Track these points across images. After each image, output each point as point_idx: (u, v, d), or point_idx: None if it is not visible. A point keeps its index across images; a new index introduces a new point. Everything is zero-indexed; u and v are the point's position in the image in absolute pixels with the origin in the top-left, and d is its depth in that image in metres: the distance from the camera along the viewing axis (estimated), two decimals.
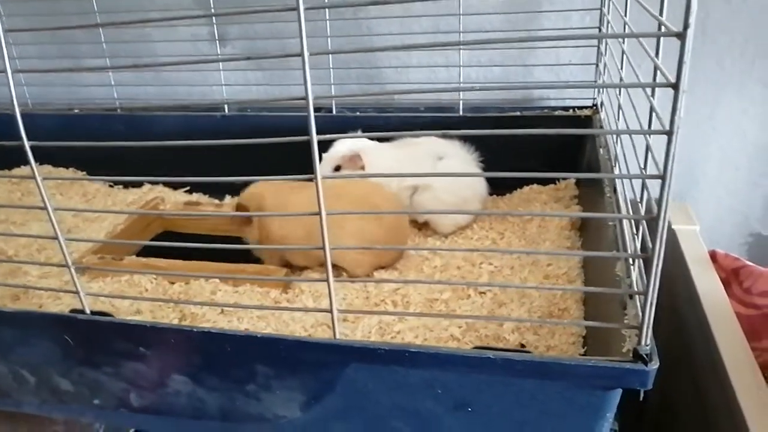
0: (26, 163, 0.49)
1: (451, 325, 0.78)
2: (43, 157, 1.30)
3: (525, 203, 1.08)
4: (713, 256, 0.94)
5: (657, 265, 0.40)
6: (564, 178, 1.11)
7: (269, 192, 0.92)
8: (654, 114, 0.45)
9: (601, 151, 0.91)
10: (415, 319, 0.80)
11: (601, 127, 1.00)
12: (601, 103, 1.06)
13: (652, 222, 0.40)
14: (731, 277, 0.93)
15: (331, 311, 0.48)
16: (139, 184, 1.24)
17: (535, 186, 1.11)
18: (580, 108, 1.11)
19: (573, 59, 1.13)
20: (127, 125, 1.28)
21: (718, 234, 1.20)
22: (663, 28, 0.44)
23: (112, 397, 0.62)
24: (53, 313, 0.69)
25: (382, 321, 0.79)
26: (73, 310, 0.56)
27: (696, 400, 0.80)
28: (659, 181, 0.39)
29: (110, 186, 1.26)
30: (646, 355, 0.43)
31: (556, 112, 1.12)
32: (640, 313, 0.44)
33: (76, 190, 1.25)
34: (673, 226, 0.99)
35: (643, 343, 0.43)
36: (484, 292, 0.85)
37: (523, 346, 0.73)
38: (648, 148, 0.48)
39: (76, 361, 0.60)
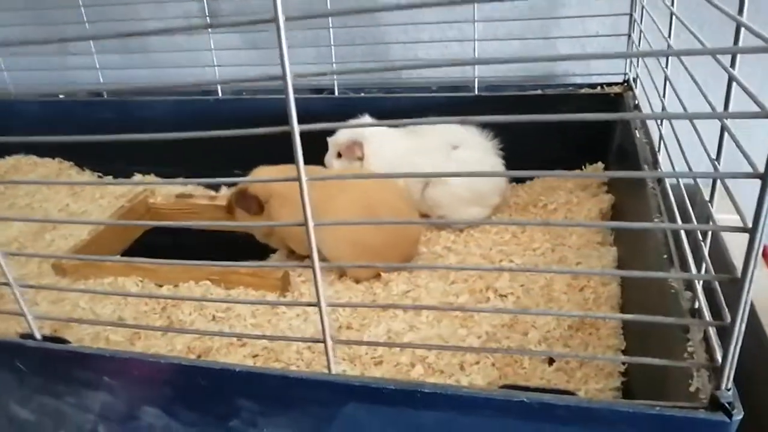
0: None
1: (470, 335, 0.69)
2: (28, 147, 1.21)
3: (548, 191, 0.98)
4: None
5: (747, 290, 0.30)
6: (591, 163, 1.01)
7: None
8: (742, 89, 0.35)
9: (637, 133, 0.80)
10: (428, 327, 0.71)
11: (636, 105, 0.89)
12: (634, 78, 0.94)
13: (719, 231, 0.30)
14: None
15: (324, 341, 0.39)
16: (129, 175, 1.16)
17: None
18: (609, 85, 0.99)
19: (601, 30, 1.02)
20: (115, 111, 1.18)
21: None
22: None
23: (78, 429, 0.54)
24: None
25: (390, 330, 0.70)
26: (23, 335, 0.48)
27: None
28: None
29: (99, 176, 1.17)
30: (729, 403, 0.33)
31: (582, 90, 1.01)
32: (717, 346, 0.34)
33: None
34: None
35: (723, 386, 0.33)
36: (505, 295, 0.76)
37: (552, 361, 0.64)
38: (724, 130, 0.38)
39: (32, 389, 0.52)
